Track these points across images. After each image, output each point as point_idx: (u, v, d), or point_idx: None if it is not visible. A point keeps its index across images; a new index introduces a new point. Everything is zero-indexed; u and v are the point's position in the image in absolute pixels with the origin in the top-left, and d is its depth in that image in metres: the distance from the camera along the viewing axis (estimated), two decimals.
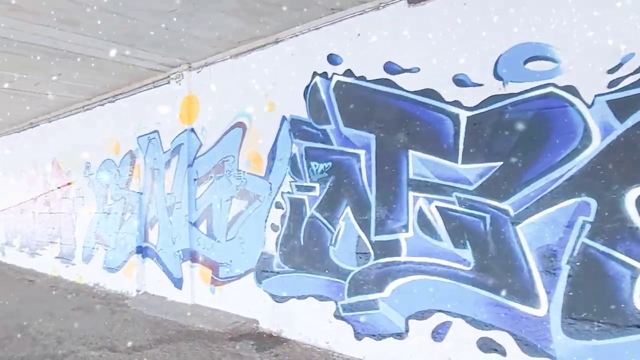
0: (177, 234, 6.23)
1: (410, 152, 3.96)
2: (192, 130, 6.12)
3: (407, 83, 3.99)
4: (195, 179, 6.07)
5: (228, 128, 5.63)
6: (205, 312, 5.70)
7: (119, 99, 7.53)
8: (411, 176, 3.95)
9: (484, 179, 3.49)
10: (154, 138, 6.78)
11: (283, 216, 4.92)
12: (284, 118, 4.97)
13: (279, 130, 5.02)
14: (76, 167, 8.63)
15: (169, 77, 6.43)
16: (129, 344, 4.73)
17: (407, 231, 3.95)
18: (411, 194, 3.94)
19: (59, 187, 9.23)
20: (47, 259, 9.43)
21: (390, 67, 4.10)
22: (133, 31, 4.96)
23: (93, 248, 7.97)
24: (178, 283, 6.25)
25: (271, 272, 4.98)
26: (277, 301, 4.91)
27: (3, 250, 11.62)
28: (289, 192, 4.88)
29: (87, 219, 8.21)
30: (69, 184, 8.89)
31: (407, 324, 3.91)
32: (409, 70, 3.98)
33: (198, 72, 6.08)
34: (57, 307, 6.45)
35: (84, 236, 8.25)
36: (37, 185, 10.08)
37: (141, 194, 7.03)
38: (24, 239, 10.57)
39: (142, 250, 6.99)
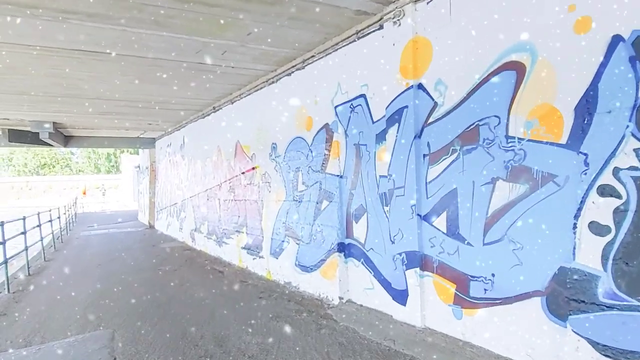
0: (398, 230, 4.60)
1: None
2: (420, 86, 4.37)
3: None
4: (425, 155, 4.33)
5: (487, 74, 3.71)
6: (449, 345, 3.95)
7: (310, 63, 6.25)
8: None
9: None
10: (359, 105, 5.27)
11: (620, 210, 2.81)
12: (616, 39, 2.84)
13: (605, 61, 2.90)
14: (261, 149, 7.78)
15: (381, 19, 4.79)
16: None
17: None
18: None
19: (243, 173, 8.59)
20: (234, 248, 8.93)
21: None
22: None
23: (282, 241, 6.95)
24: (399, 296, 4.64)
25: (593, 303, 2.93)
26: (610, 356, 2.84)
27: (193, 236, 11.86)
28: (633, 168, 2.75)
29: (274, 208, 7.25)
30: (253, 168, 8.13)
31: None
32: None
33: (428, 2, 4.28)
34: (253, 312, 5.46)
35: (271, 227, 7.33)
36: (222, 171, 9.72)
37: (341, 177, 5.62)
38: (211, 226, 10.44)
39: (344, 248, 5.60)
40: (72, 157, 66.67)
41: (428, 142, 4.29)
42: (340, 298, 5.54)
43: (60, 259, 10.70)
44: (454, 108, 4.00)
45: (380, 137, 4.89)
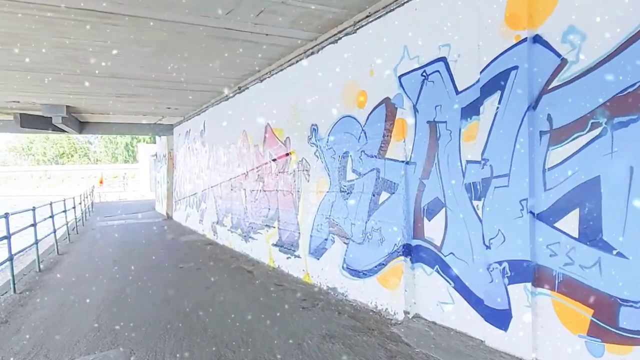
0: (497, 231, 3.51)
1: None
2: (538, 39, 3.24)
3: None
4: (544, 132, 3.21)
5: None
6: None
7: (363, 26, 5.14)
8: None
9: None
10: (436, 72, 4.15)
11: None
12: None
13: None
14: (297, 132, 6.71)
15: None
16: None
17: None
18: None
19: (274, 160, 7.55)
20: (263, 244, 7.94)
21: None
22: None
23: (325, 239, 5.91)
24: (496, 317, 3.55)
25: None
26: None
27: (214, 229, 10.93)
28: None
29: (314, 200, 6.21)
30: (287, 154, 7.08)
31: None
32: None
33: None
34: (299, 328, 4.45)
35: (311, 222, 6.29)
36: (249, 158, 8.70)
37: (408, 163, 4.54)
38: (235, 219, 9.46)
39: (410, 251, 4.53)
40: (90, 146, 66.89)
41: (549, 115, 3.17)
42: (406, 312, 4.49)
43: (74, 253, 9.88)
44: (598, 65, 2.86)
45: (470, 110, 3.78)
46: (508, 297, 3.45)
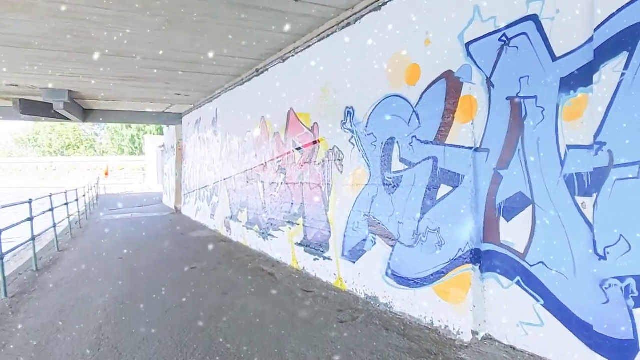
0: (618, 237, 2.67)
1: None
2: None
3: None
4: None
5: None
6: None
7: None
8: None
9: None
10: (521, 35, 3.30)
11: None
12: None
13: None
14: (328, 116, 5.89)
15: None
16: None
17: None
18: None
19: (298, 148, 6.73)
20: (284, 243, 7.15)
21: None
22: None
23: (364, 240, 5.10)
24: (613, 349, 2.74)
25: None
26: None
27: (227, 225, 10.15)
28: None
29: (350, 194, 5.39)
30: (315, 142, 6.26)
31: None
32: None
33: None
34: (342, 350, 3.66)
35: (345, 219, 5.48)
36: (268, 147, 7.89)
37: (477, 150, 3.70)
38: (251, 214, 8.67)
39: (479, 258, 3.71)
40: (96, 138, 66.44)
41: None
42: (474, 333, 3.68)
43: (76, 249, 9.15)
44: None
45: (574, 81, 2.94)
46: (633, 324, 2.62)
